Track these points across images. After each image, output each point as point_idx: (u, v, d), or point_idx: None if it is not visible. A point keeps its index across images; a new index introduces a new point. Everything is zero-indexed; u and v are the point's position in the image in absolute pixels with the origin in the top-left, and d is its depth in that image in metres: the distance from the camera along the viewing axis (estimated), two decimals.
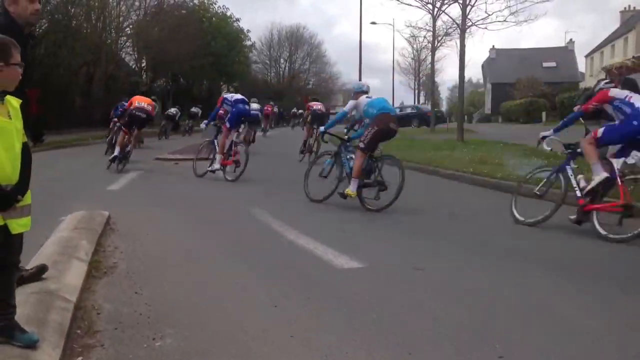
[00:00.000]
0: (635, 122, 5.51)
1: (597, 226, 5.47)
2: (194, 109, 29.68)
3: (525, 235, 5.80)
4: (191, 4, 43.69)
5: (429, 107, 40.09)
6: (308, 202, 7.71)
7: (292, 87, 61.57)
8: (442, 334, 3.12)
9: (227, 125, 10.42)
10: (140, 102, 11.99)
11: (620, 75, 7.47)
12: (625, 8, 43.39)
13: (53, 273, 3.65)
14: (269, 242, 5.49)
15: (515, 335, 3.12)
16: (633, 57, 15.95)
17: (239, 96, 10.97)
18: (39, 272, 3.56)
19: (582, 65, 51.56)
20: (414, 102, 57.13)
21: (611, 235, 5.31)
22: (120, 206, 7.11)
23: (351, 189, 7.20)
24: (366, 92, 7.78)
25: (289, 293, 3.83)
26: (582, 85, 44.29)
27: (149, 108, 11.95)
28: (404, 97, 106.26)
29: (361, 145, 7.25)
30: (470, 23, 19.71)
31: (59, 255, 4.15)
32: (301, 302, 3.65)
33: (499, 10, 27.85)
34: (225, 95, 11.26)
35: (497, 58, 56.70)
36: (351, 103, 7.87)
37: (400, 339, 3.05)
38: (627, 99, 5.73)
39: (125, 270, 4.34)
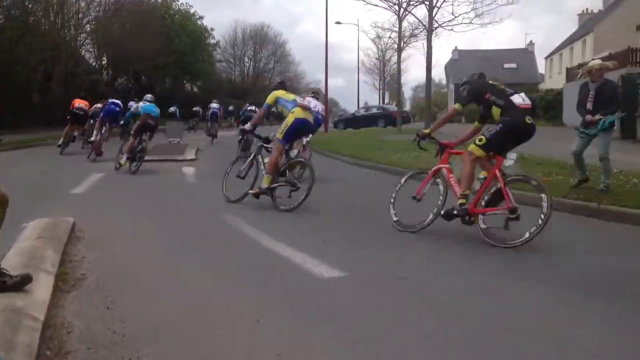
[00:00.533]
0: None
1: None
2: (195, 108, 31.09)
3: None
4: (152, 0, 42.65)
5: (394, 107, 40.34)
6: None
7: (257, 86, 60.97)
8: (432, 348, 3.04)
9: (102, 115, 14.98)
10: (80, 104, 16.75)
11: (601, 77, 7.59)
12: (583, 11, 44.45)
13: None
14: (244, 249, 5.31)
15: (506, 349, 3.05)
16: (593, 58, 16.29)
17: (116, 100, 15.59)
18: (22, 282, 3.44)
19: (541, 66, 52.62)
20: (379, 102, 57.50)
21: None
22: (85, 211, 6.85)
23: (123, 160, 11.43)
24: (149, 101, 12.39)
25: (271, 306, 3.68)
26: (541, 86, 45.19)
27: (86, 108, 16.67)
28: (369, 97, 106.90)
29: (132, 131, 11.94)
30: (436, 25, 19.89)
31: (24, 268, 3.89)
32: (285, 317, 3.50)
33: (465, 12, 27.94)
34: (109, 99, 15.64)
35: (460, 59, 57.34)
36: (135, 106, 12.94)
37: (391, 356, 2.95)
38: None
39: (95, 282, 4.13)
